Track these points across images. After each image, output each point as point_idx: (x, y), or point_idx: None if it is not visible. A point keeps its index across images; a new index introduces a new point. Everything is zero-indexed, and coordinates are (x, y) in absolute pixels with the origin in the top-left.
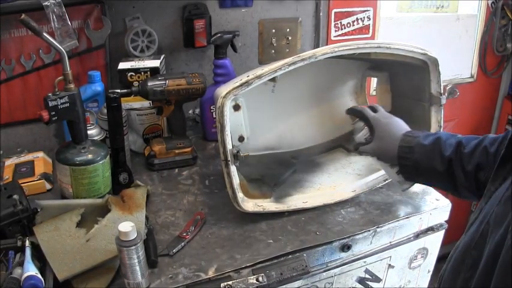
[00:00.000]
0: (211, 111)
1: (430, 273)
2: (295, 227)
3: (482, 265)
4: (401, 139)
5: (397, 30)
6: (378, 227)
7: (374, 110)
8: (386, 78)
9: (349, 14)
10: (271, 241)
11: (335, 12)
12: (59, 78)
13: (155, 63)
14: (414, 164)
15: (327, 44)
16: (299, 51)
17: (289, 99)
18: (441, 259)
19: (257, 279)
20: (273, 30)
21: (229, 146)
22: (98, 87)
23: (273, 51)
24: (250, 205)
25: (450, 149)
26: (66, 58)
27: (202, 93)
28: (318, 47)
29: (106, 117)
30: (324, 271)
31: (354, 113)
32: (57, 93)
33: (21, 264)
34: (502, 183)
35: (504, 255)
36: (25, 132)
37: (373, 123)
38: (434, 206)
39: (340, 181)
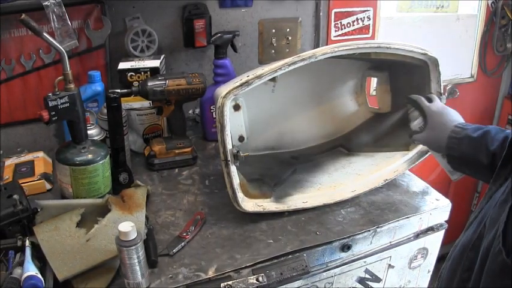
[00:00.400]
0: (211, 111)
1: (430, 273)
2: (295, 227)
3: (476, 268)
4: (452, 130)
5: (397, 30)
6: (378, 227)
7: (429, 100)
8: (386, 78)
9: (349, 14)
10: (271, 241)
11: (335, 12)
12: (59, 78)
13: (155, 63)
14: (461, 155)
15: (327, 44)
16: (299, 51)
17: (289, 99)
18: (441, 259)
19: (257, 279)
20: (273, 30)
21: (229, 146)
22: (98, 87)
23: (273, 51)
24: (250, 205)
25: (496, 143)
26: (66, 58)
27: (202, 93)
28: (318, 47)
29: (106, 117)
30: (324, 271)
31: (410, 102)
32: (57, 93)
33: (21, 264)
34: (502, 184)
35: (490, 263)
36: (25, 132)
37: (427, 113)
38: (434, 206)
39: (340, 181)
